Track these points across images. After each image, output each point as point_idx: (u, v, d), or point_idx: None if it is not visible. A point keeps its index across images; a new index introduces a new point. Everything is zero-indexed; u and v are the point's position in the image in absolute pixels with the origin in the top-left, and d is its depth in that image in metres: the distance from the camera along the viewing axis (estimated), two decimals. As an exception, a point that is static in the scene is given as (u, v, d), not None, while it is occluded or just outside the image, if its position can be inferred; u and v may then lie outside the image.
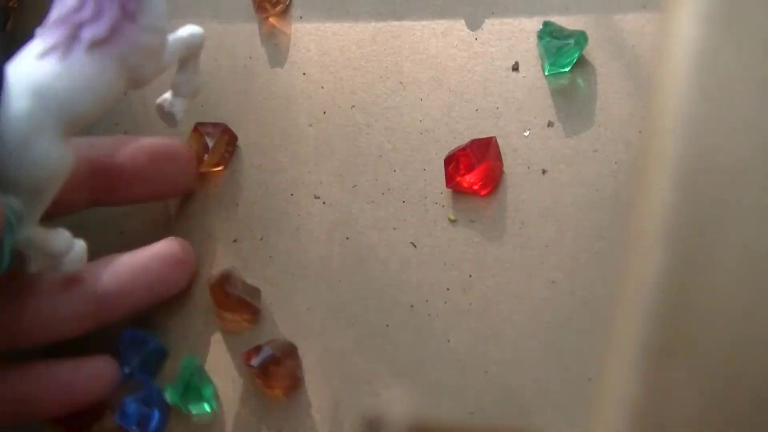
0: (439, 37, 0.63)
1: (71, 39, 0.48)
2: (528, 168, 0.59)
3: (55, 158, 0.49)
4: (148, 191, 0.62)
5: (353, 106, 0.64)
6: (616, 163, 0.57)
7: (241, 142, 0.65)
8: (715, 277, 0.39)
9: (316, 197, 0.62)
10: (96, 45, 0.49)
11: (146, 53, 0.52)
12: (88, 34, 0.48)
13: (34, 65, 0.49)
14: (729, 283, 0.39)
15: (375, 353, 0.58)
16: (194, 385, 0.58)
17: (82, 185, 0.58)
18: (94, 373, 0.59)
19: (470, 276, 0.58)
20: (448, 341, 0.57)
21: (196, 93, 0.61)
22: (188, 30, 0.57)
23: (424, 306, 0.58)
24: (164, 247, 0.61)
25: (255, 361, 0.57)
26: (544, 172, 0.59)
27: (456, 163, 0.58)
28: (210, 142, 0.63)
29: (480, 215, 0.59)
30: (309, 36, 0.66)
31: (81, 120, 0.50)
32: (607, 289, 0.55)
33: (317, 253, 0.61)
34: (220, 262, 0.63)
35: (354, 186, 0.62)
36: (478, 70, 0.62)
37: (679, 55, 0.35)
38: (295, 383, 0.58)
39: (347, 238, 0.61)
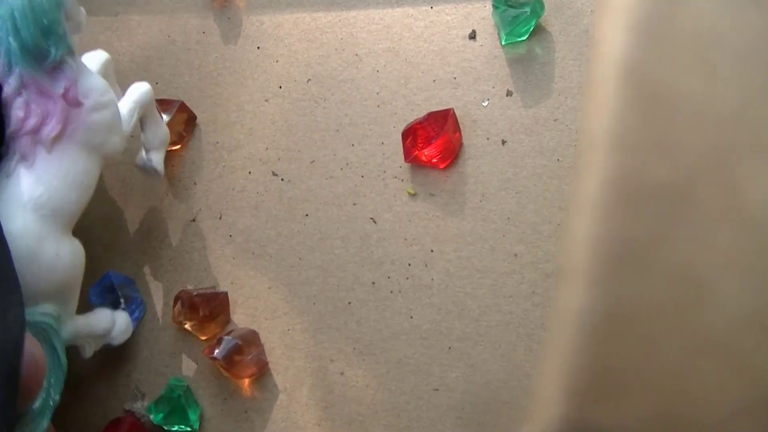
0: (394, 6, 0.62)
1: (32, 145, 0.50)
2: (487, 139, 0.58)
3: (66, 256, 0.51)
4: None
5: (309, 79, 0.62)
6: (576, 131, 0.56)
7: (197, 120, 0.63)
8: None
9: (274, 174, 0.61)
10: (55, 141, 0.50)
11: (104, 128, 0.53)
12: (45, 133, 0.50)
13: (8, 184, 0.50)
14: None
15: (338, 331, 0.58)
16: (180, 408, 0.58)
17: None
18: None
19: (432, 251, 0.57)
20: (411, 317, 0.57)
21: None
22: (135, 90, 0.58)
23: (387, 282, 0.57)
24: None
25: (218, 353, 0.56)
26: (503, 142, 0.58)
27: (413, 136, 0.57)
28: (166, 119, 0.61)
29: (440, 189, 0.58)
30: (262, 8, 0.64)
31: (77, 211, 0.53)
32: (569, 261, 0.55)
33: (277, 231, 0.60)
34: (179, 241, 0.62)
35: (312, 162, 0.61)
36: (435, 40, 0.60)
37: (607, 67, 0.33)
38: (261, 369, 0.58)
39: (306, 215, 0.60)
